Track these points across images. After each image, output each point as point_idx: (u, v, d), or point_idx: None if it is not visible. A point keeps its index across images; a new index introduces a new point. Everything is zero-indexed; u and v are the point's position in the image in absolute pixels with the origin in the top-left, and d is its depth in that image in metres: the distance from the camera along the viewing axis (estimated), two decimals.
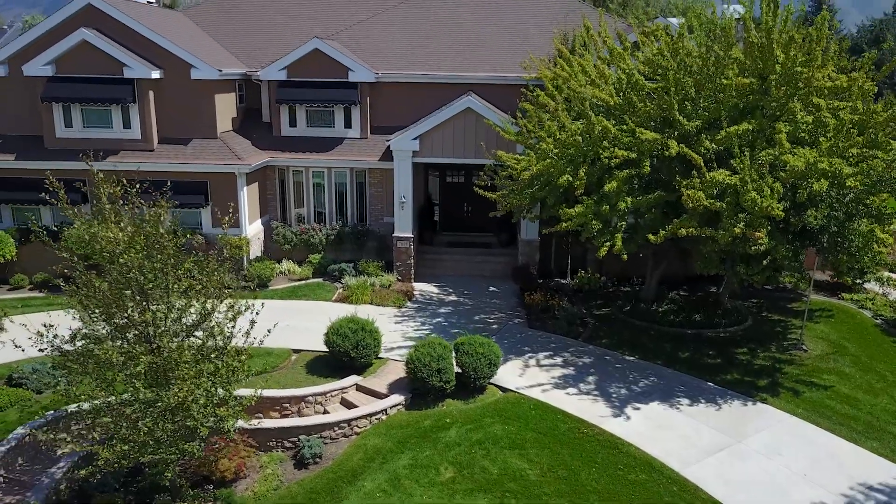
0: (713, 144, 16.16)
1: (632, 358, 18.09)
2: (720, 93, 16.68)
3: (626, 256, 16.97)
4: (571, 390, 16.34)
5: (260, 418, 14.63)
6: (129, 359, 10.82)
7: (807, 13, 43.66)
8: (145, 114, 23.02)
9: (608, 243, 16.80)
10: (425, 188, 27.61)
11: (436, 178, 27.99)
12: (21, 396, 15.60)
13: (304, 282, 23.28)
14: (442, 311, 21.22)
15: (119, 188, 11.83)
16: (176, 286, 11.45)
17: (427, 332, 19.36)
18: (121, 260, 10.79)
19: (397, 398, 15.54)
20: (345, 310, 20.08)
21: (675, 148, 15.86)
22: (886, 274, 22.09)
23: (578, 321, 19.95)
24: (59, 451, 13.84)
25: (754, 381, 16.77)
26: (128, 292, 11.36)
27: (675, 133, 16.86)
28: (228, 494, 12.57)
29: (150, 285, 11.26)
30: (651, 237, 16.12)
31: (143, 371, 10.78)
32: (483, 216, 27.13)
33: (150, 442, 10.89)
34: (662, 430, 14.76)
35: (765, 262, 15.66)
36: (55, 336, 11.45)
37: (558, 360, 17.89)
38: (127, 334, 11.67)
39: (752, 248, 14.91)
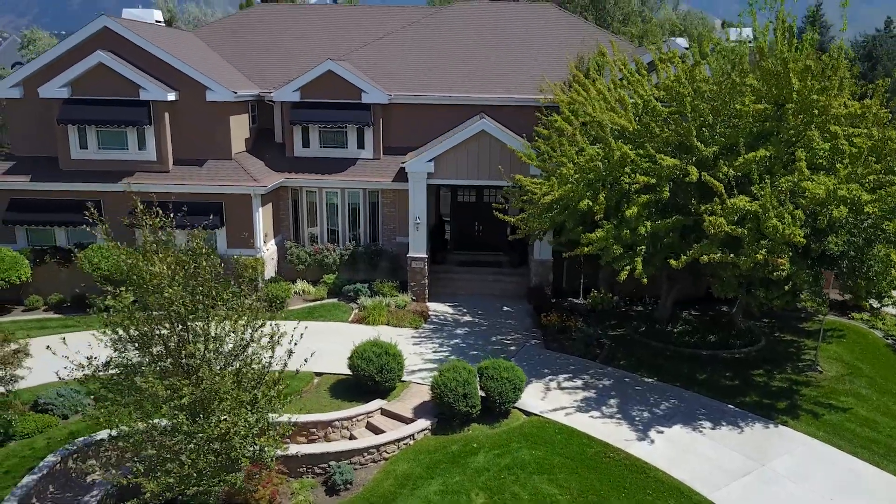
0: (731, 170, 16.45)
1: (651, 380, 18.29)
2: (736, 118, 16.99)
3: (645, 280, 17.20)
4: (594, 413, 16.52)
5: (287, 444, 14.69)
6: (174, 391, 10.91)
7: (800, 29, 44.20)
8: (161, 135, 23.14)
9: (628, 267, 17.04)
10: (437, 207, 27.83)
11: (447, 196, 28.20)
12: (48, 422, 15.60)
13: (319, 302, 23.39)
14: (458, 331, 21.38)
15: (158, 220, 11.94)
16: (216, 317, 11.56)
17: (446, 354, 19.51)
18: (166, 294, 10.89)
19: (424, 423, 15.66)
20: (362, 331, 20.26)
21: (695, 175, 16.14)
22: None
23: (595, 342, 20.14)
24: (90, 479, 13.99)
25: (773, 404, 17.00)
26: (167, 324, 11.50)
27: (693, 158, 17.17)
28: None
29: (192, 316, 11.37)
30: (673, 262, 16.36)
31: (186, 404, 10.87)
32: (494, 235, 27.45)
33: (194, 474, 10.97)
34: (687, 453, 14.95)
35: (786, 287, 15.90)
36: (91, 361, 11.56)
37: (578, 382, 18.07)
38: (161, 363, 11.79)
39: (775, 273, 15.16)
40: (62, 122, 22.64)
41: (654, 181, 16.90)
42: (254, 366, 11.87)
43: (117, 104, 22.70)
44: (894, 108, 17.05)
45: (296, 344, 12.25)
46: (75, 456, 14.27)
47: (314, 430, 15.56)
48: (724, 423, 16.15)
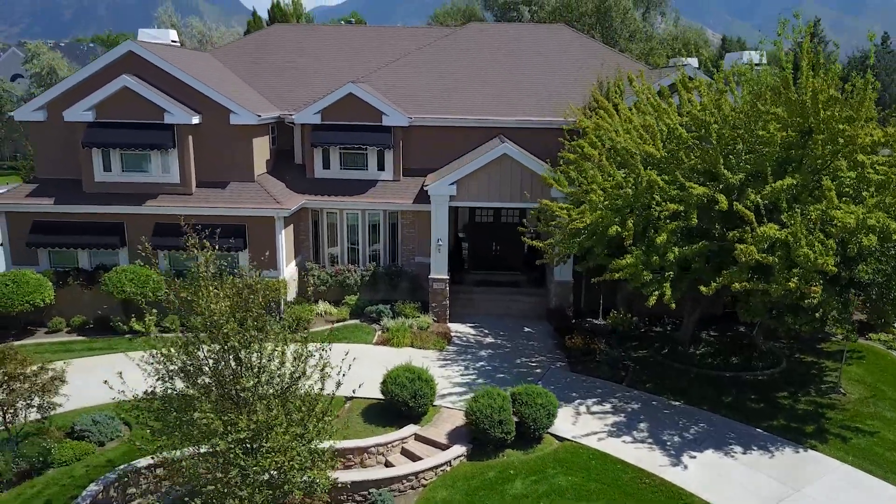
0: (759, 198, 16.72)
1: (678, 403, 18.49)
2: (763, 146, 17.27)
3: (674, 305, 17.44)
4: (626, 438, 16.70)
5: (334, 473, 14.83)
6: (231, 425, 11.05)
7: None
8: (184, 158, 23.31)
9: (657, 292, 17.28)
10: (455, 228, 28.05)
11: (464, 215, 28.45)
12: (85, 449, 15.66)
13: (341, 323, 23.54)
14: (482, 353, 21.55)
15: (210, 253, 12.10)
16: (272, 352, 11.74)
17: (473, 377, 19.68)
18: (224, 329, 11.05)
19: (460, 449, 15.81)
20: (388, 353, 20.45)
21: (724, 204, 16.42)
22: None
23: (619, 364, 20.35)
24: None
25: (801, 428, 17.22)
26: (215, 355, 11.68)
27: (720, 186, 17.46)
28: None
29: (245, 352, 11.53)
30: (703, 289, 16.61)
31: (244, 438, 11.01)
32: (510, 255, 27.72)
33: None
34: (721, 479, 15.14)
35: (817, 314, 16.16)
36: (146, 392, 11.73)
37: (607, 406, 18.26)
38: (210, 394, 11.94)
39: (806, 301, 15.42)
40: (87, 145, 22.78)
41: (682, 208, 17.17)
42: (304, 397, 12.03)
43: (142, 127, 22.88)
44: None
45: (344, 375, 12.43)
46: (116, 484, 14.36)
47: (351, 456, 15.68)
48: (754, 448, 16.35)
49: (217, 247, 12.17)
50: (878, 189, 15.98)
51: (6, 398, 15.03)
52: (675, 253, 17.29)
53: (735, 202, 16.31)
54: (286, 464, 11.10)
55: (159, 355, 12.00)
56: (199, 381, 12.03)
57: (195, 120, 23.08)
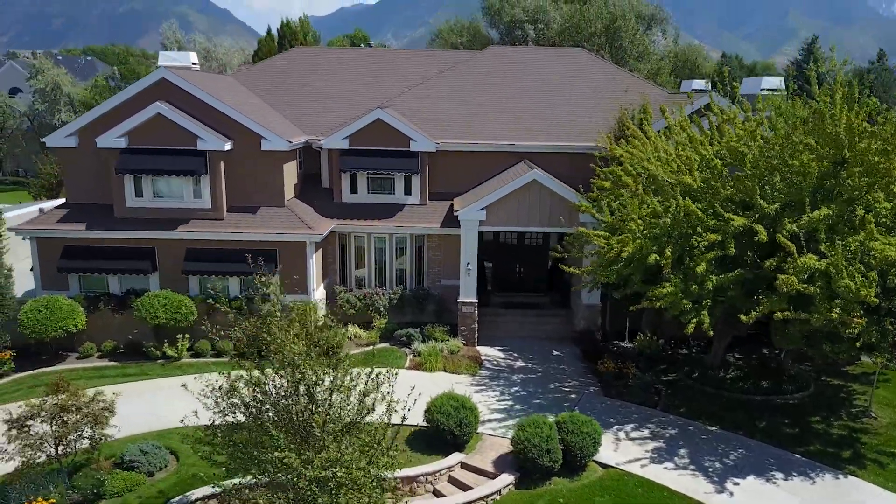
0: (796, 227, 17.10)
1: (714, 428, 18.78)
2: (798, 176, 17.65)
3: (711, 332, 17.76)
4: (668, 465, 16.96)
5: None
6: (307, 462, 11.23)
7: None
8: (216, 184, 23.50)
9: (695, 320, 17.59)
10: (481, 251, 28.31)
11: (488, 237, 28.72)
12: (136, 480, 15.73)
13: (371, 347, 23.72)
14: (515, 378, 21.78)
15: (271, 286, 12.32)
16: (341, 388, 11.95)
17: (510, 402, 19.90)
18: (301, 369, 11.26)
19: (508, 478, 16.01)
20: (421, 378, 20.67)
21: (764, 235, 16.78)
22: None
23: (652, 389, 20.63)
24: None
25: (838, 453, 17.54)
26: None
27: (756, 215, 17.82)
28: None
29: (318, 388, 11.74)
30: (743, 318, 16.93)
31: (320, 475, 11.19)
32: (534, 276, 27.98)
33: None
34: None
35: (858, 343, 16.51)
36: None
37: (645, 431, 18.51)
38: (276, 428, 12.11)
39: (847, 331, 15.77)
40: (121, 171, 22.94)
41: (720, 238, 17.51)
42: (372, 432, 12.24)
43: (174, 154, 23.07)
44: None
45: (409, 409, 12.66)
46: None
47: (399, 485, 15.85)
48: (794, 474, 16.64)
49: (266, 274, 12.44)
50: None
51: (60, 430, 15.10)
52: (713, 281, 17.63)
53: (778, 233, 16.66)
54: (361, 500, 11.27)
55: (221, 388, 12.20)
56: (261, 416, 12.22)
57: (227, 146, 23.29)
